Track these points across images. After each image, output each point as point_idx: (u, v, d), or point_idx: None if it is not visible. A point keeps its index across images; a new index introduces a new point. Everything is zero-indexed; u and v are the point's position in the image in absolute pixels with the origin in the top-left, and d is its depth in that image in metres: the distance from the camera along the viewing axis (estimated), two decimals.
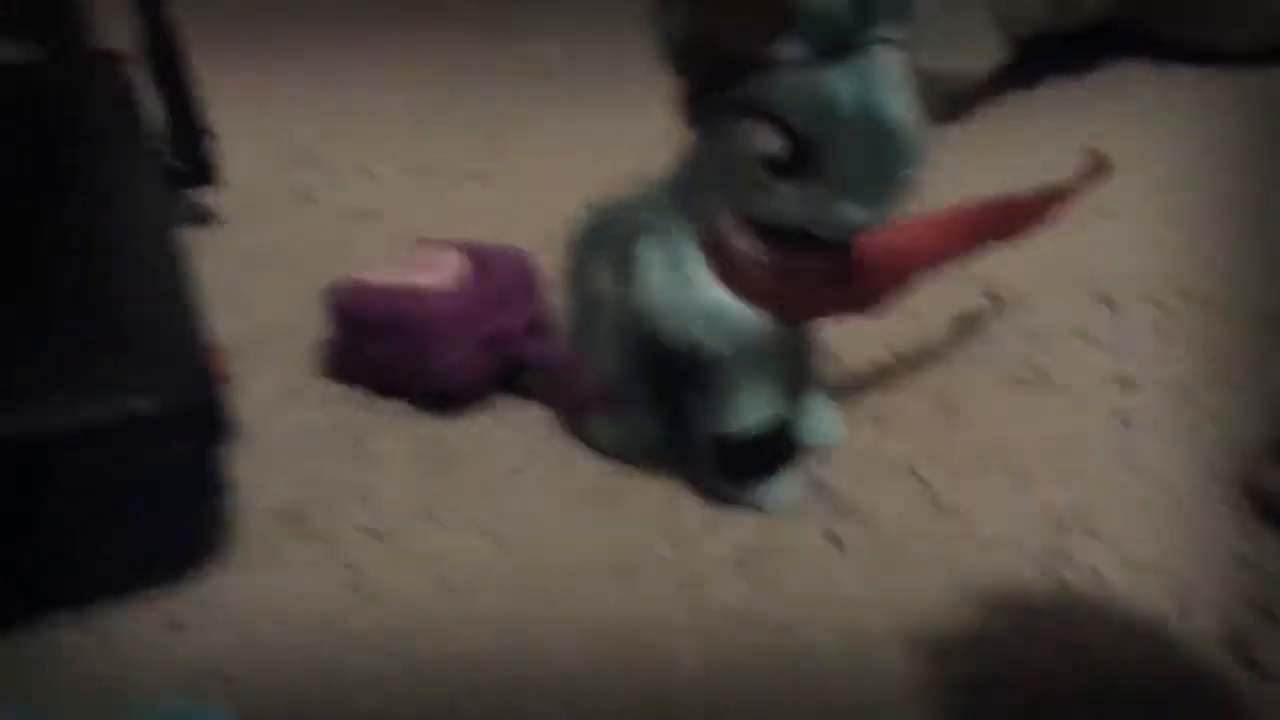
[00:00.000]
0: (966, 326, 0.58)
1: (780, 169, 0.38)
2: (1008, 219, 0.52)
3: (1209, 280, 0.60)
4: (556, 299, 0.52)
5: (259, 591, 0.43)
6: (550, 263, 0.54)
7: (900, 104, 0.37)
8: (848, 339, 0.56)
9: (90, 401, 0.39)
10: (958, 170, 0.73)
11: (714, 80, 0.38)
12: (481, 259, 0.52)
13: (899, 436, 0.50)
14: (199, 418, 0.41)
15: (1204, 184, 0.70)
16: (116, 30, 0.66)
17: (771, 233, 0.41)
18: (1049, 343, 0.56)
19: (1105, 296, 0.60)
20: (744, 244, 0.41)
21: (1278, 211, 0.66)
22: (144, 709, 0.23)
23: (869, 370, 0.55)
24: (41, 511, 0.39)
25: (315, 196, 0.72)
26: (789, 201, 0.39)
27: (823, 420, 0.49)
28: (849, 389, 0.53)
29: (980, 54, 0.76)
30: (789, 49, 0.37)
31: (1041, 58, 0.83)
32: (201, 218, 0.70)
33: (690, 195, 0.43)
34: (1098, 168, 0.54)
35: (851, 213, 0.39)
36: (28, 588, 0.40)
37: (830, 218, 0.39)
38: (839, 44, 0.36)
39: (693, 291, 0.42)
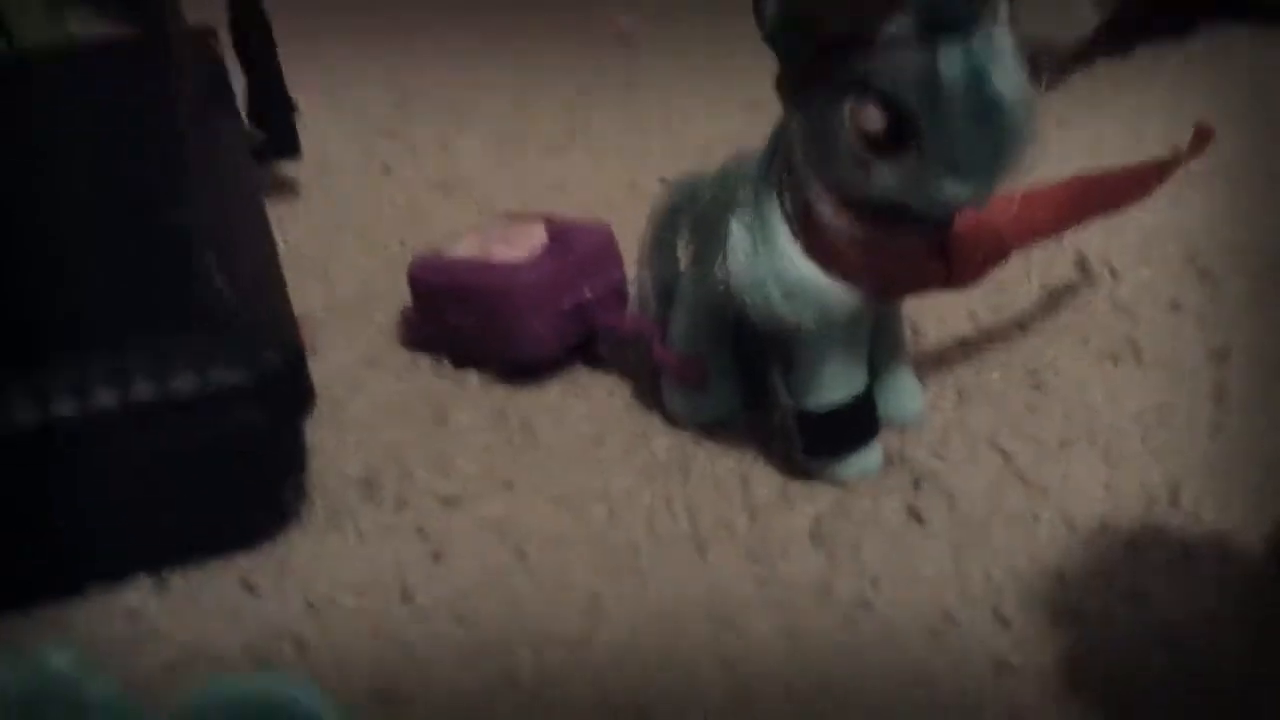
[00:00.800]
0: (1056, 299, 0.56)
1: (882, 147, 0.38)
2: (1110, 194, 0.51)
3: None
4: (635, 271, 0.52)
5: (334, 557, 0.43)
6: (629, 234, 0.54)
7: (1011, 81, 0.37)
8: (931, 311, 0.55)
9: (178, 373, 0.40)
10: (1049, 139, 0.71)
11: (819, 58, 0.38)
12: (562, 231, 0.52)
13: (983, 411, 0.49)
14: (286, 390, 0.41)
15: None
16: (205, 6, 0.67)
17: (867, 209, 0.40)
18: (1141, 315, 0.54)
19: (1201, 268, 0.57)
20: (838, 220, 0.41)
21: None
22: (222, 683, 0.23)
23: (953, 343, 0.53)
24: (123, 477, 0.40)
25: (394, 168, 0.72)
26: (889, 179, 0.38)
27: (905, 394, 0.48)
28: (932, 362, 0.52)
29: (1073, 20, 0.73)
30: (897, 26, 0.36)
31: (1136, 25, 0.80)
32: (282, 189, 0.71)
33: (782, 170, 0.42)
34: (1203, 139, 0.52)
35: (954, 190, 0.38)
36: (107, 551, 0.41)
37: (932, 196, 0.38)
38: (948, 21, 0.36)
39: (781, 266, 0.41)
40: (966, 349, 0.53)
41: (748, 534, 0.43)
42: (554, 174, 0.71)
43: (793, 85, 0.40)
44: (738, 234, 0.42)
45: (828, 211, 0.40)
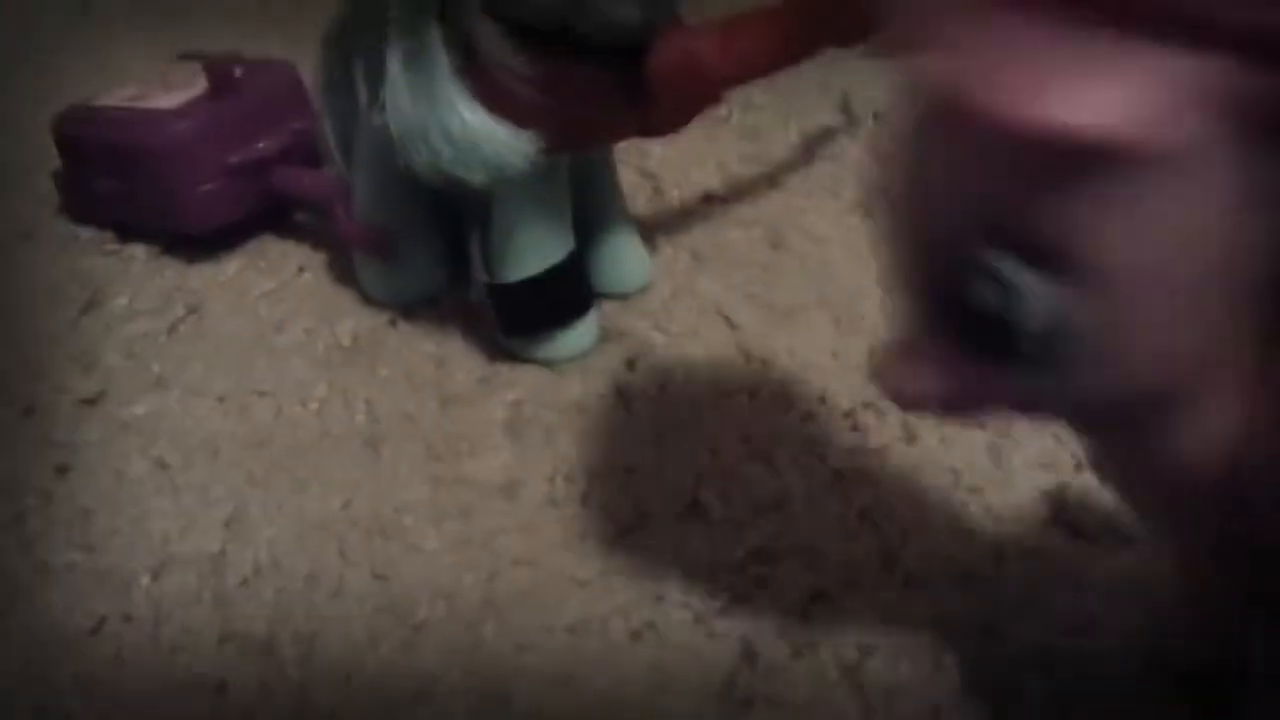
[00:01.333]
0: (813, 148, 0.51)
1: None
2: (837, 20, 0.45)
3: None
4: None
5: None
6: None
7: None
8: (675, 164, 0.50)
9: None
10: None
11: None
12: (229, 75, 0.44)
13: (716, 276, 0.44)
14: None
15: None
16: None
17: (540, 40, 0.34)
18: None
19: None
20: (506, 54, 0.34)
21: None
22: None
23: (693, 200, 0.48)
24: None
25: (91, 2, 0.62)
26: None
27: (625, 260, 0.43)
28: (666, 222, 0.47)
29: None
30: None
31: None
32: None
33: None
34: None
35: (620, 9, 0.32)
36: None
37: (597, 15, 0.32)
38: None
39: (443, 113, 0.35)
40: (710, 206, 0.48)
41: (434, 428, 0.38)
42: (279, 8, 0.62)
43: None
44: (396, 72, 0.35)
45: (494, 44, 0.34)
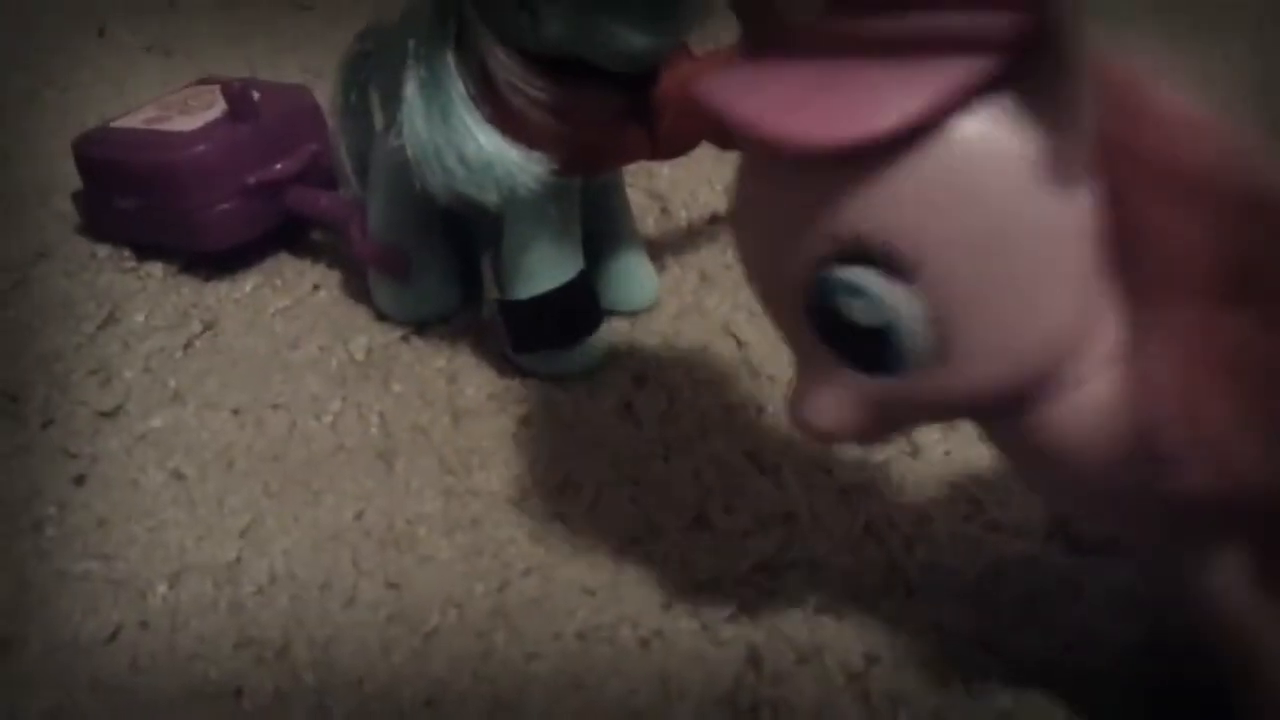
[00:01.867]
0: None
1: None
2: None
3: None
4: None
5: None
6: None
7: None
8: (682, 186, 0.51)
9: None
10: None
11: None
12: (246, 97, 0.45)
13: (723, 294, 0.45)
14: None
15: None
16: None
17: (549, 66, 0.35)
18: None
19: None
20: (518, 79, 0.35)
21: None
22: None
23: (701, 220, 0.49)
24: None
25: (107, 28, 0.63)
26: (556, 26, 0.33)
27: (634, 279, 0.44)
28: (674, 242, 0.48)
29: None
30: None
31: None
32: None
33: (454, 19, 0.36)
34: None
35: (629, 38, 0.33)
36: None
37: (606, 45, 0.33)
38: None
39: (458, 135, 0.36)
40: (717, 226, 0.49)
41: (446, 441, 0.39)
42: (293, 34, 0.63)
43: None
44: (412, 96, 0.36)
45: (506, 69, 0.35)
